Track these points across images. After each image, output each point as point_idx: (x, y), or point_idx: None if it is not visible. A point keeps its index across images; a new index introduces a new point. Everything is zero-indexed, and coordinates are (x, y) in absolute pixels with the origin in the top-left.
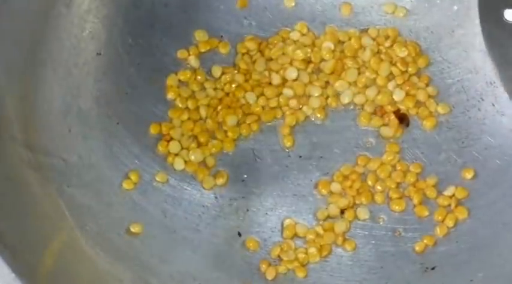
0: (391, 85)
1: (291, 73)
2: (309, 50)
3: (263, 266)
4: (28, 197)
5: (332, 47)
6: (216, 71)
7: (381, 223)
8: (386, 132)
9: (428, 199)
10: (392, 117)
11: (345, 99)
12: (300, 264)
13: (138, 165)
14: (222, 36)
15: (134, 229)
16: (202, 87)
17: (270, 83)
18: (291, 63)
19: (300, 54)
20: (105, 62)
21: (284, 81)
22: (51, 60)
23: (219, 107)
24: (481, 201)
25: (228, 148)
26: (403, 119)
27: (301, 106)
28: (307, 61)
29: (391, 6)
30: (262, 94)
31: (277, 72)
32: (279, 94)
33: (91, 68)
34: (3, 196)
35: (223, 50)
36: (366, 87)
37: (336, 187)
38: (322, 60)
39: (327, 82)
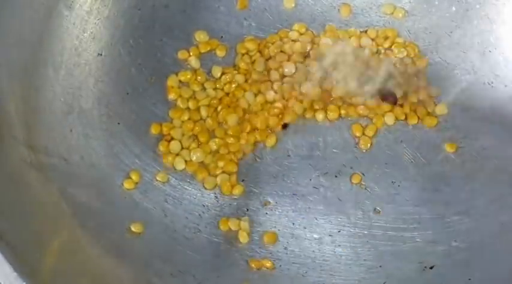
0: (389, 84)
1: (289, 69)
2: (308, 45)
3: (263, 265)
4: (30, 197)
5: (330, 42)
6: (216, 71)
7: (380, 222)
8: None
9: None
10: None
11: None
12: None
13: (139, 165)
14: (222, 37)
15: (135, 228)
16: (202, 88)
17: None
18: (288, 60)
19: (298, 46)
20: (106, 63)
21: (282, 77)
22: (53, 60)
23: (219, 107)
24: (479, 201)
25: (247, 151)
26: (387, 97)
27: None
28: (305, 55)
29: (390, 7)
30: (259, 92)
31: (276, 69)
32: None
33: (92, 69)
34: (5, 196)
35: (220, 52)
36: (363, 83)
37: None
38: (321, 55)
39: (325, 75)
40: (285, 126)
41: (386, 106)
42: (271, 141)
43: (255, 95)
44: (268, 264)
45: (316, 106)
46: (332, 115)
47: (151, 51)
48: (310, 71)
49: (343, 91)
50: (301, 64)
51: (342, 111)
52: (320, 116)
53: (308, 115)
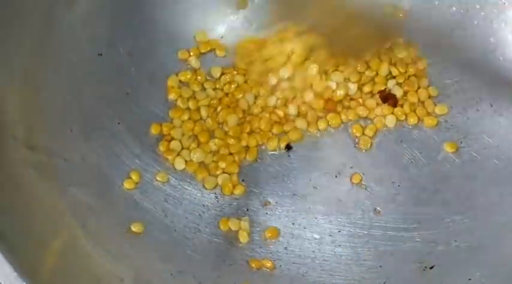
0: (390, 84)
1: (287, 71)
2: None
3: (263, 265)
4: (30, 196)
5: None
6: (216, 71)
7: (380, 222)
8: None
9: None
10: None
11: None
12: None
13: (139, 165)
14: (222, 37)
15: (135, 228)
16: (202, 88)
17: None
18: (288, 60)
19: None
20: (106, 63)
21: (281, 79)
22: (53, 60)
23: (219, 107)
24: (479, 201)
25: (251, 157)
26: (387, 98)
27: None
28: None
29: (390, 7)
30: (259, 94)
31: (275, 70)
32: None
33: (92, 69)
34: (5, 196)
35: (220, 52)
36: (364, 84)
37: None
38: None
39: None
40: (288, 147)
41: (386, 108)
42: (272, 144)
43: (255, 97)
44: (269, 264)
45: (318, 115)
46: (334, 122)
47: (151, 51)
48: (310, 73)
49: (343, 94)
50: (301, 66)
51: (343, 116)
52: (322, 126)
53: (311, 129)
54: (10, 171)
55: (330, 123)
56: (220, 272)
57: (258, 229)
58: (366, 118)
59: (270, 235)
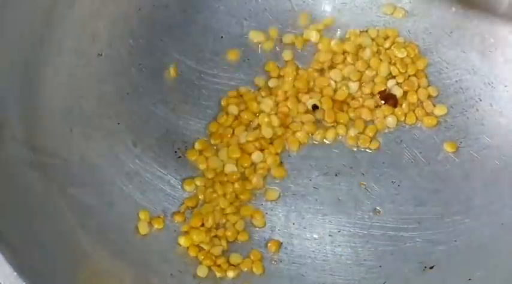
0: (390, 83)
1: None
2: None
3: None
4: (29, 196)
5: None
6: None
7: (380, 222)
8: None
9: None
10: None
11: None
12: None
13: (139, 165)
14: (222, 37)
15: (135, 228)
16: None
17: None
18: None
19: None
20: (106, 63)
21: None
22: (53, 61)
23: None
24: (479, 201)
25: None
26: (388, 99)
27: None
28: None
29: (390, 7)
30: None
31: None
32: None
33: (92, 69)
34: (4, 196)
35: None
36: (363, 83)
37: None
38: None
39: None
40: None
41: (387, 108)
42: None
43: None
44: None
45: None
46: (342, 132)
47: (151, 51)
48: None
49: (346, 93)
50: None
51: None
52: (330, 136)
53: (318, 137)
54: (10, 171)
55: (337, 131)
56: None
57: (257, 229)
58: (366, 120)
59: (272, 247)
